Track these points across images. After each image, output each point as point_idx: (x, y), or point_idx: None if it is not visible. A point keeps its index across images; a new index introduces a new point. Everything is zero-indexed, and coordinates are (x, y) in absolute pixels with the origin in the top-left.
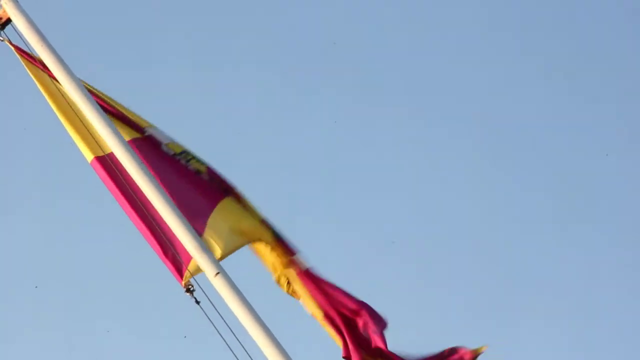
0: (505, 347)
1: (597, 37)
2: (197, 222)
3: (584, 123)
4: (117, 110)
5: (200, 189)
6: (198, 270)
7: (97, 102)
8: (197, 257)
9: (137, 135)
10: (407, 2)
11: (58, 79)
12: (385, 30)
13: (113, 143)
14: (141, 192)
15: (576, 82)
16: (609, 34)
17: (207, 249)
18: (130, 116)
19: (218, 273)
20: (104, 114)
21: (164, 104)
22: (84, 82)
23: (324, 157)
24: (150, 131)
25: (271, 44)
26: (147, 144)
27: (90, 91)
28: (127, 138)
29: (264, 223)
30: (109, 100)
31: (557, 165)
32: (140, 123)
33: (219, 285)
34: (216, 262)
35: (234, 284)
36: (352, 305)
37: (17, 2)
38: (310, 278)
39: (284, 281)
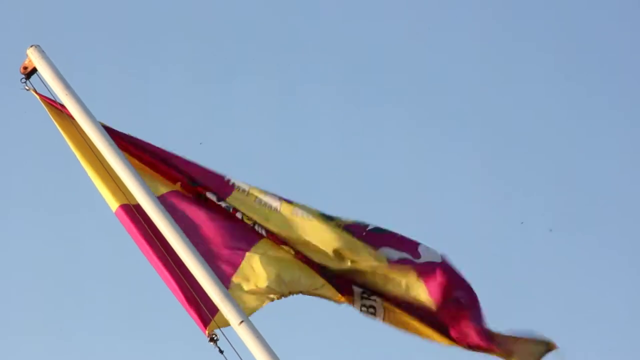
0: None
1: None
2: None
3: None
4: (158, 157)
5: (237, 231)
6: (225, 322)
7: (132, 150)
8: (221, 306)
9: (173, 188)
10: (408, 2)
11: (83, 128)
12: (387, 27)
13: (137, 192)
14: (165, 240)
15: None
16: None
17: (230, 297)
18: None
19: (242, 322)
20: (129, 164)
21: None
22: (118, 131)
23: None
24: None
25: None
26: (182, 195)
27: (124, 138)
28: (163, 190)
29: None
30: (148, 147)
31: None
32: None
33: (243, 334)
34: (240, 310)
35: (258, 332)
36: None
37: (43, 51)
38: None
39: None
